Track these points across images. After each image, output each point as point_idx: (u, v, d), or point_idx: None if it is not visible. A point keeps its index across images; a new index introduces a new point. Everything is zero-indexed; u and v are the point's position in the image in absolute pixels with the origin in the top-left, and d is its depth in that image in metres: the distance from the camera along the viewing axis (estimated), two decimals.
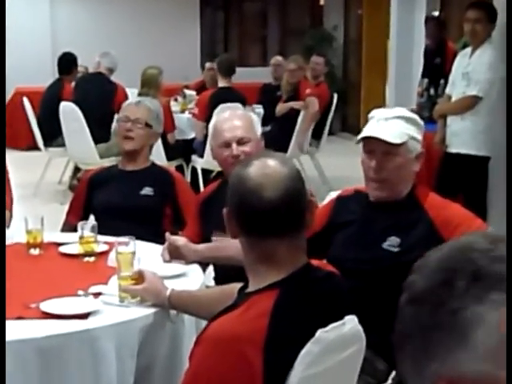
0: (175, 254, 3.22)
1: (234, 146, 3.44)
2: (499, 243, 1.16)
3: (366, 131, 3.02)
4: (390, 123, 3.00)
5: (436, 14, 9.44)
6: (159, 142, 7.41)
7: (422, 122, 3.11)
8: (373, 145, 2.99)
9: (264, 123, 8.56)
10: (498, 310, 1.10)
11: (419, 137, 3.04)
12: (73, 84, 9.13)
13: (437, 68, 8.09)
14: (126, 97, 8.45)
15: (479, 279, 1.11)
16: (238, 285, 2.39)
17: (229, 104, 7.17)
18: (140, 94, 7.72)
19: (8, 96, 11.98)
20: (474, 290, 1.11)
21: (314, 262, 2.26)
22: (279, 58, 10.26)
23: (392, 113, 3.05)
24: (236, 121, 3.53)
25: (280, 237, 2.12)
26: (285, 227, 2.12)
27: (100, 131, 8.07)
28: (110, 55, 8.85)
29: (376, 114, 3.07)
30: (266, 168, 2.15)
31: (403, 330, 1.21)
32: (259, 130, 3.57)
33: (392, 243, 2.96)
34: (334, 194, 3.40)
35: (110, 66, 8.78)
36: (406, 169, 3.01)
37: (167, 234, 3.30)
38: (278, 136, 8.21)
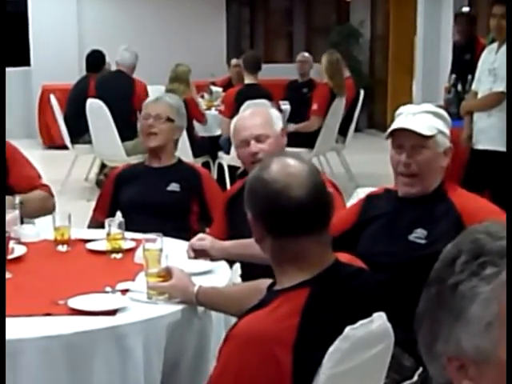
0: (201, 252, 3.22)
1: (253, 143, 3.46)
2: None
3: (395, 125, 3.02)
4: (419, 117, 3.01)
5: (466, 9, 9.37)
6: (185, 139, 7.42)
7: (449, 118, 3.11)
8: (402, 139, 3.00)
9: (291, 120, 8.58)
10: (490, 283, 1.11)
11: (447, 132, 3.05)
12: None
13: (466, 64, 8.02)
14: (145, 93, 8.42)
15: (479, 257, 1.13)
16: (266, 280, 2.39)
17: (255, 101, 7.16)
18: (169, 91, 7.69)
19: (36, 93, 12.05)
20: (472, 266, 1.13)
21: (344, 257, 2.25)
22: (305, 55, 10.22)
23: (420, 108, 3.07)
24: (254, 118, 3.53)
25: (310, 234, 2.11)
26: (315, 223, 2.12)
27: (124, 128, 8.08)
28: (131, 51, 8.79)
29: (403, 110, 3.09)
30: (288, 167, 2.14)
31: (418, 314, 1.23)
32: (280, 125, 3.54)
33: (419, 235, 2.96)
34: (360, 191, 3.41)
35: (131, 62, 8.75)
36: (434, 163, 3.01)
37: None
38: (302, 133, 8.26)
